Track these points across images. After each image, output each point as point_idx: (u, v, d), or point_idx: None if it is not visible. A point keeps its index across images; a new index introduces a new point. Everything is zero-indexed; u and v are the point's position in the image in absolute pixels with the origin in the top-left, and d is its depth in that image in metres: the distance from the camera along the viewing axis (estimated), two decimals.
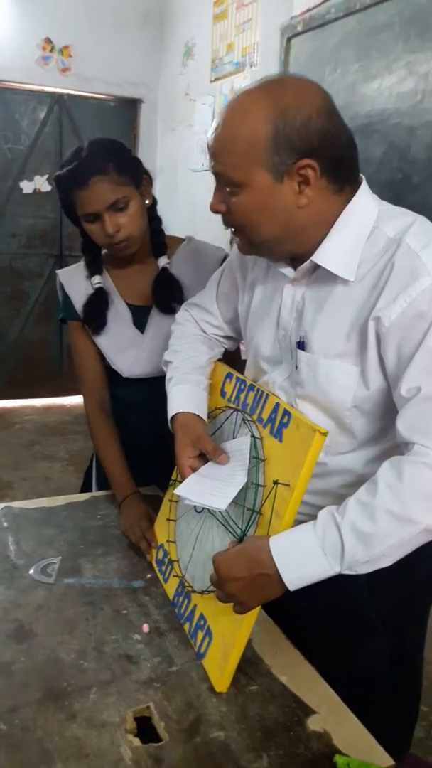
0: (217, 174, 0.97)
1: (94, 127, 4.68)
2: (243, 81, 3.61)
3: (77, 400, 4.97)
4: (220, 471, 1.07)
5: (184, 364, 1.25)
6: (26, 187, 4.69)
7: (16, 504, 1.52)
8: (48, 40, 4.39)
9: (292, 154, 0.90)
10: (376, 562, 0.88)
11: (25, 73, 4.39)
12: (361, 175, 1.01)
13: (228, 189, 0.96)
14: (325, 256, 0.97)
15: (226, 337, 1.33)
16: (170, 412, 1.19)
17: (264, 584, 0.90)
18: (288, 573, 0.88)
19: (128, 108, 4.86)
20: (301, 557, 0.88)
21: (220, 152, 0.95)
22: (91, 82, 4.59)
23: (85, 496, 1.60)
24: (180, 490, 1.07)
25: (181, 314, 1.36)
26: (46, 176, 4.71)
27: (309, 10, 2.91)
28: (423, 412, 0.88)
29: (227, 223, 1.01)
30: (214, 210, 1.00)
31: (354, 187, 0.98)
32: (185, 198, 4.33)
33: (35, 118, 4.61)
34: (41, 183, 4.72)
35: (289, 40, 3.09)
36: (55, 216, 4.79)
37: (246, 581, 0.91)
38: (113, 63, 4.61)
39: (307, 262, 0.99)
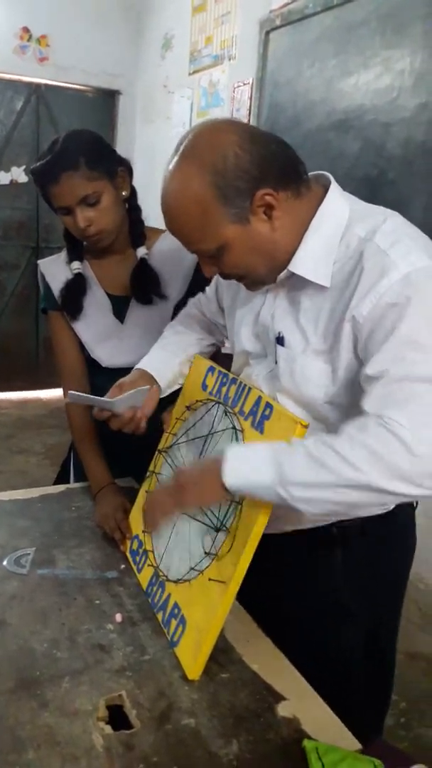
0: (193, 252, 1.02)
1: (71, 118, 4.64)
2: (221, 74, 3.60)
3: (54, 393, 4.95)
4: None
5: (170, 335, 1.35)
6: (2, 177, 4.64)
7: None
8: (26, 29, 4.34)
9: (243, 197, 0.93)
10: (310, 490, 0.86)
11: (1, 63, 4.34)
12: (330, 176, 1.03)
13: (211, 257, 1.00)
14: (301, 265, 0.98)
15: (225, 326, 1.35)
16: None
17: (208, 474, 0.94)
18: (231, 463, 0.91)
19: (106, 99, 4.83)
20: (250, 457, 0.92)
21: (184, 238, 1.00)
22: (68, 73, 4.55)
23: (60, 488, 1.60)
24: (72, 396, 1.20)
25: (194, 298, 1.41)
26: (23, 167, 4.67)
27: (287, 4, 2.92)
28: (391, 392, 0.87)
29: (226, 277, 1.06)
30: (210, 276, 1.06)
31: (308, 183, 1.00)
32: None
33: (12, 108, 4.56)
34: (18, 174, 4.67)
35: (267, 33, 3.09)
36: (32, 207, 4.75)
37: (196, 472, 0.98)
38: (91, 53, 4.57)
39: (285, 271, 1.01)
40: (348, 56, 2.58)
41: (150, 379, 1.24)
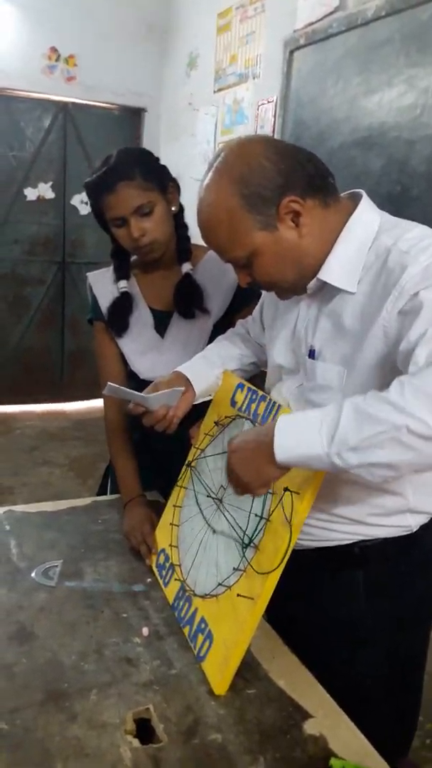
0: (227, 261, 1.06)
1: (98, 136, 4.73)
2: (245, 92, 3.64)
3: (77, 406, 4.99)
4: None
5: (213, 347, 1.38)
6: (30, 194, 4.73)
7: (19, 508, 1.54)
8: (54, 50, 4.44)
9: (269, 205, 0.97)
10: (364, 452, 0.81)
11: (30, 82, 4.44)
12: (362, 191, 1.05)
13: (243, 266, 1.04)
14: (331, 272, 1.01)
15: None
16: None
17: (258, 452, 0.90)
18: (280, 438, 0.87)
19: (132, 117, 4.91)
20: (299, 427, 0.87)
21: (217, 247, 1.04)
22: (95, 91, 4.64)
23: (87, 500, 1.62)
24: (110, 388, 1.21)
25: (243, 320, 1.43)
26: (49, 183, 4.76)
27: (311, 24, 2.95)
28: None
29: (259, 286, 1.08)
30: (245, 286, 1.09)
31: (338, 196, 1.03)
32: (188, 206, 4.32)
33: (40, 126, 4.66)
34: (45, 190, 4.76)
35: (291, 53, 3.12)
36: (58, 223, 4.83)
37: (247, 451, 0.93)
38: (118, 72, 4.66)
39: (314, 279, 1.03)
40: (371, 74, 2.60)
41: (186, 382, 1.26)
